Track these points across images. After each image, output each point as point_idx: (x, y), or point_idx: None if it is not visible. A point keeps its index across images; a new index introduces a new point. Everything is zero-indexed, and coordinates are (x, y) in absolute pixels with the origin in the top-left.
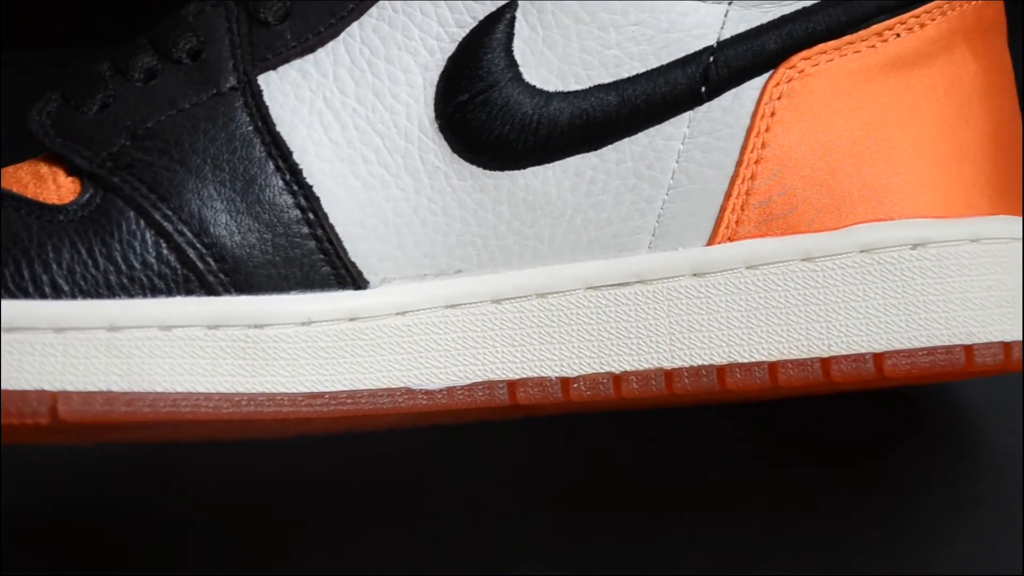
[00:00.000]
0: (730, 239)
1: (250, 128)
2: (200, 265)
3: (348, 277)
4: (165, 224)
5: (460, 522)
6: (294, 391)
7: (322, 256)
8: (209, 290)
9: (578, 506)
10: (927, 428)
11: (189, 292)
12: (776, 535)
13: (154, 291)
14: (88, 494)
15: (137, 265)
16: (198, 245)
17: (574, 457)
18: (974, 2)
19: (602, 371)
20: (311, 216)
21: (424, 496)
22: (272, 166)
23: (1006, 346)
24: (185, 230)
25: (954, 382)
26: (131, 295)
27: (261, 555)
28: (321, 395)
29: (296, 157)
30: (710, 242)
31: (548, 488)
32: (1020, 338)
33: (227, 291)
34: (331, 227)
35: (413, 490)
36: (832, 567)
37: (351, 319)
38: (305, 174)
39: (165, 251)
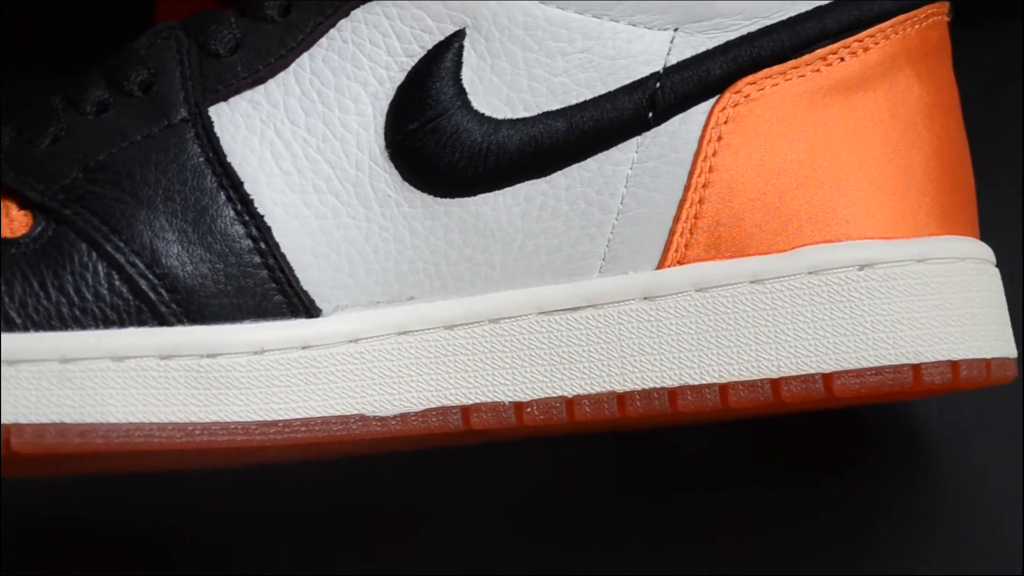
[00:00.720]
0: (680, 262)
1: (201, 159)
2: (152, 296)
3: (300, 305)
4: (117, 256)
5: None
6: (247, 419)
7: (274, 285)
8: (162, 320)
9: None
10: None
11: (142, 323)
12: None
13: (106, 322)
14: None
15: (89, 297)
16: (150, 276)
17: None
18: (917, 26)
19: (555, 395)
20: (262, 245)
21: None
22: (223, 196)
23: (953, 364)
24: (137, 261)
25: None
26: (84, 327)
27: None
28: (275, 423)
29: (247, 187)
30: (660, 266)
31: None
32: (968, 356)
33: (180, 321)
34: (283, 256)
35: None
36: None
37: (304, 347)
38: (256, 204)
39: (117, 282)
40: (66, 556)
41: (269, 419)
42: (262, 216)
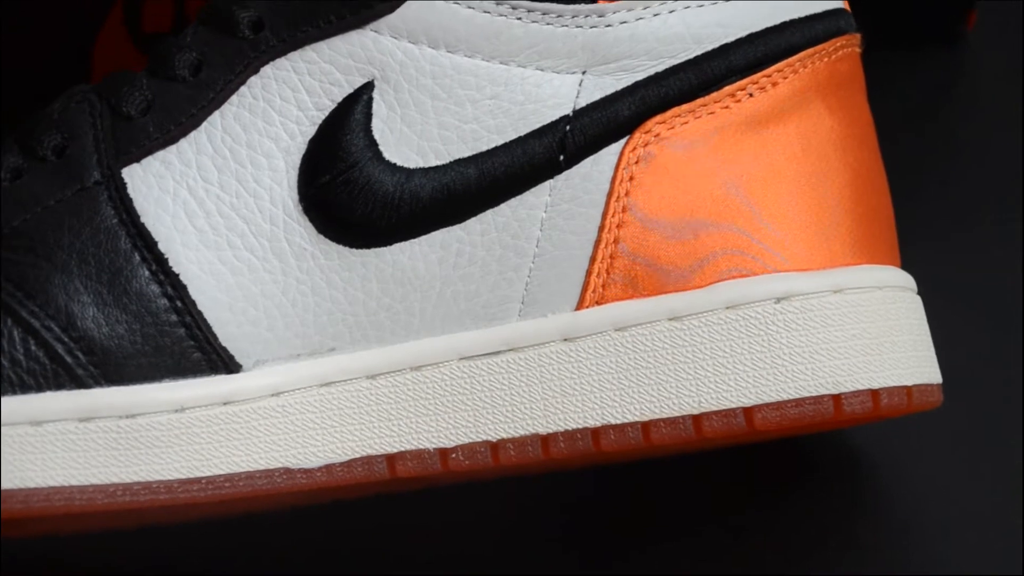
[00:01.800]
0: (598, 303)
1: (115, 221)
2: (69, 359)
3: (220, 362)
4: (32, 321)
5: None
6: (170, 478)
7: (192, 343)
8: (79, 383)
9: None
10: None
11: (59, 386)
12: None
13: (24, 387)
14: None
15: (6, 363)
16: (66, 340)
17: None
18: (827, 59)
19: (479, 440)
20: (179, 304)
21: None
22: (138, 257)
23: (874, 393)
24: (53, 325)
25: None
26: (0, 393)
27: None
28: (197, 480)
29: (161, 247)
30: (579, 307)
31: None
32: (888, 384)
33: (97, 383)
34: (199, 314)
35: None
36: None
37: (225, 403)
38: (171, 263)
39: (33, 347)
40: None
41: (192, 476)
42: (177, 275)
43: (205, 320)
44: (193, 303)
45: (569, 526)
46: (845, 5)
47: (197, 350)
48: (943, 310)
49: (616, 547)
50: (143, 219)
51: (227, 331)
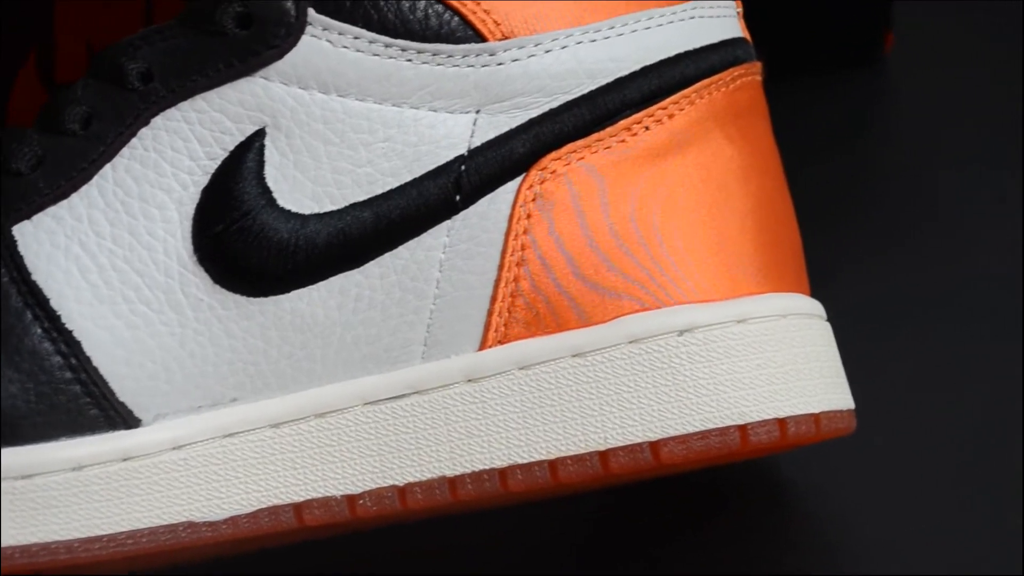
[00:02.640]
0: (501, 342)
1: (6, 279)
2: None
3: (118, 417)
4: None
5: None
6: (69, 538)
7: (88, 399)
8: None
9: None
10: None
11: None
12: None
13: None
14: None
15: None
16: None
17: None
18: (724, 89)
19: (386, 485)
20: (73, 361)
21: None
22: (30, 315)
23: (781, 422)
24: None
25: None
26: None
27: None
28: (99, 539)
29: (54, 304)
30: (482, 347)
31: None
32: (795, 412)
33: None
34: (95, 370)
35: None
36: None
37: (124, 459)
38: (64, 320)
39: None
40: None
41: (92, 535)
42: (71, 331)
43: (101, 376)
44: (88, 359)
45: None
46: (744, 34)
47: (94, 406)
48: (860, 335)
49: None
50: (35, 276)
51: (124, 386)
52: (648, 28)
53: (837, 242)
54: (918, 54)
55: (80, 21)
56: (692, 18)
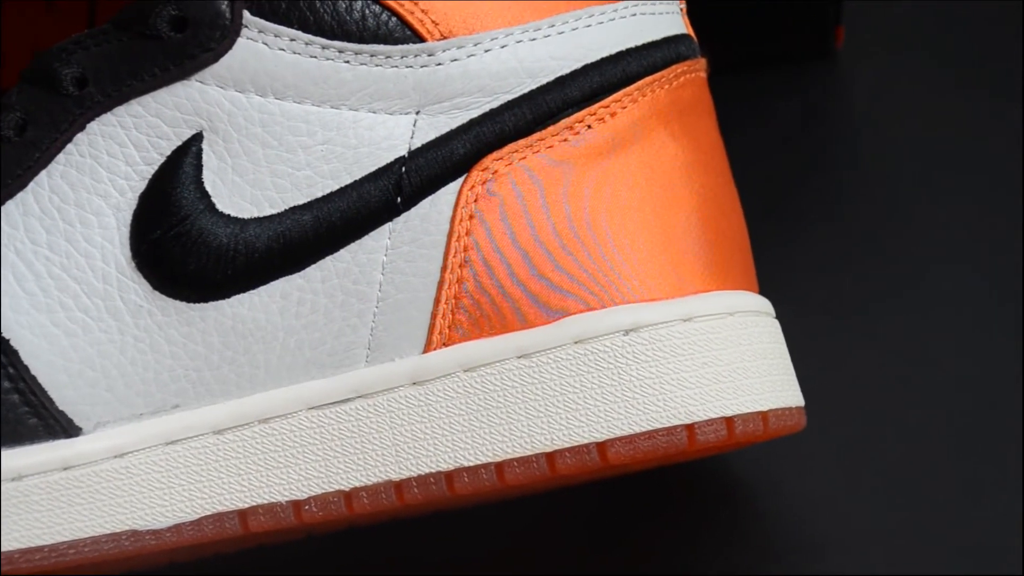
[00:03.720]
0: (445, 344)
1: None
2: None
3: (58, 426)
4: None
5: None
6: (9, 548)
7: (27, 409)
8: None
9: None
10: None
11: None
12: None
13: None
14: None
15: None
16: None
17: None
18: (667, 87)
19: (332, 490)
20: (11, 370)
21: None
22: None
23: (728, 421)
24: None
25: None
26: None
27: None
28: (39, 549)
29: None
30: (426, 349)
31: None
32: (742, 411)
33: None
34: (33, 379)
35: None
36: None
37: (64, 468)
38: (1, 329)
39: None
40: None
41: (33, 545)
42: (7, 340)
43: (40, 385)
44: (26, 368)
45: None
46: (688, 31)
47: (33, 416)
48: (815, 331)
49: None
50: None
51: (64, 395)
52: (589, 26)
53: (790, 238)
54: (869, 48)
55: (25, 27)
56: (634, 15)
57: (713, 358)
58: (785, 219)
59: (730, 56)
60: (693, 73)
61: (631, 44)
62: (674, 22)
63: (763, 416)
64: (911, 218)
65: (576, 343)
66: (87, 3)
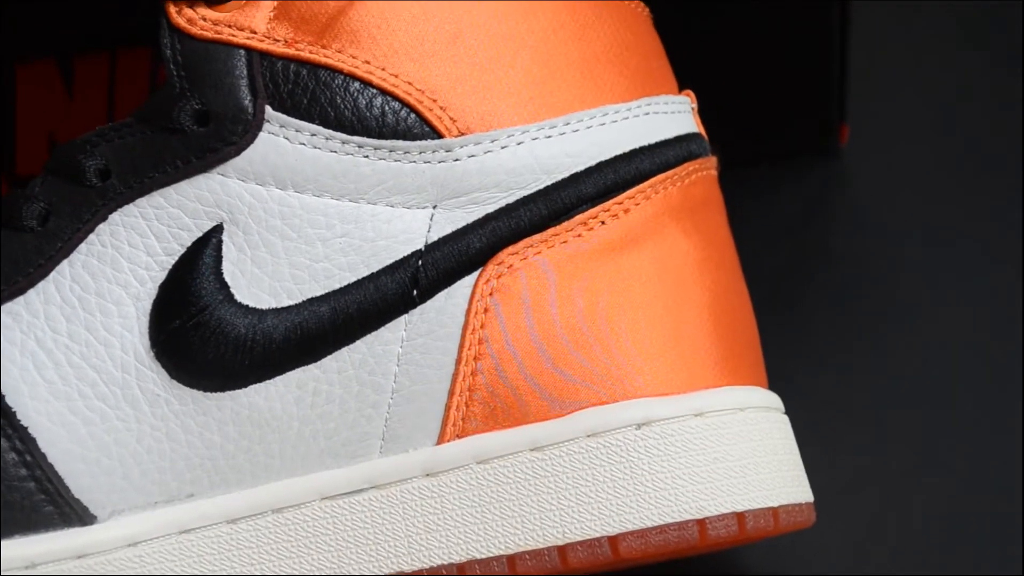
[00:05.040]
0: (459, 436)
1: None
2: None
3: (73, 514)
4: None
5: None
6: None
7: (43, 496)
8: None
9: None
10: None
11: None
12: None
13: None
14: None
15: None
16: None
17: None
18: (679, 184)
19: None
20: (28, 458)
21: None
22: None
23: (739, 516)
24: None
25: None
26: None
27: None
28: None
29: (8, 400)
30: (440, 441)
31: None
32: (753, 506)
33: None
34: (50, 467)
35: None
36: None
37: (78, 556)
38: (19, 416)
39: None
40: None
41: None
42: (26, 428)
43: (56, 473)
44: (43, 456)
45: None
46: (699, 129)
47: (49, 503)
48: (820, 426)
49: None
50: None
51: (80, 483)
52: (603, 124)
53: (795, 332)
54: (873, 144)
55: (43, 115)
56: (647, 114)
57: (724, 453)
58: (786, 313)
59: (735, 152)
60: (704, 171)
61: (644, 142)
62: (685, 121)
63: (774, 512)
64: (915, 311)
65: (588, 437)
66: (106, 94)
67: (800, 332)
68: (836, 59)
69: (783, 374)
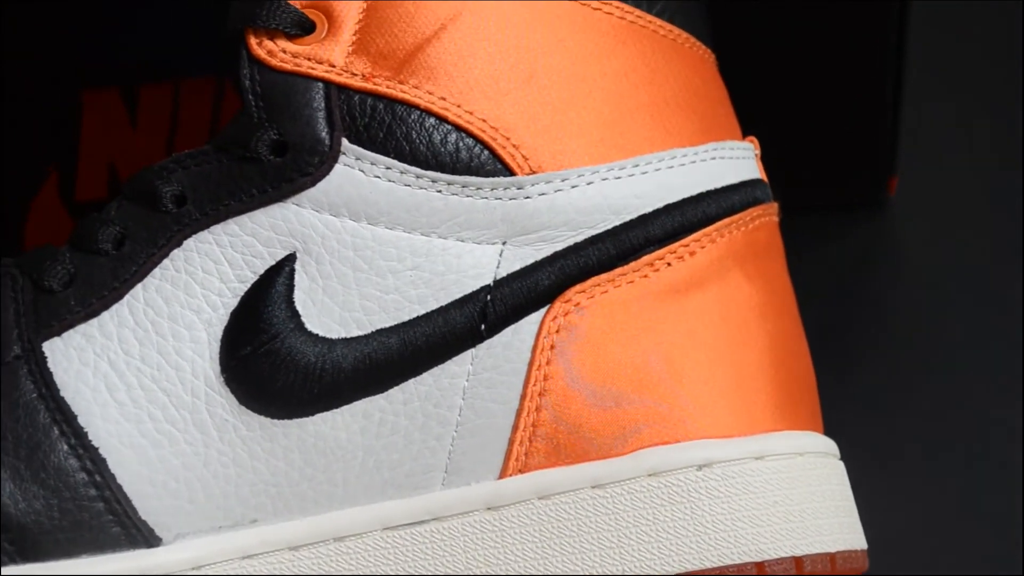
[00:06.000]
0: (521, 471)
1: (34, 395)
2: None
3: (139, 536)
4: None
5: None
6: None
7: (111, 517)
8: None
9: None
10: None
11: None
12: None
13: None
14: None
15: None
16: None
17: None
18: (743, 228)
19: None
20: (98, 478)
21: None
22: (57, 431)
23: (797, 560)
24: None
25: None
26: None
27: None
28: None
29: (81, 420)
30: (502, 475)
31: None
32: (811, 551)
33: (13, 560)
34: (119, 487)
35: None
36: None
37: None
38: (91, 437)
39: None
40: None
41: None
42: (96, 448)
43: (124, 494)
44: (112, 477)
45: None
46: (762, 175)
47: (116, 524)
48: (870, 474)
49: None
50: (63, 392)
51: (147, 504)
52: (671, 167)
53: (844, 382)
54: (921, 196)
55: (106, 143)
56: (713, 159)
57: (784, 497)
58: (836, 362)
59: (785, 200)
60: (767, 217)
61: (710, 186)
62: (750, 167)
63: (831, 557)
64: (963, 361)
65: (650, 476)
66: (168, 123)
67: (849, 382)
68: (889, 112)
69: (832, 422)
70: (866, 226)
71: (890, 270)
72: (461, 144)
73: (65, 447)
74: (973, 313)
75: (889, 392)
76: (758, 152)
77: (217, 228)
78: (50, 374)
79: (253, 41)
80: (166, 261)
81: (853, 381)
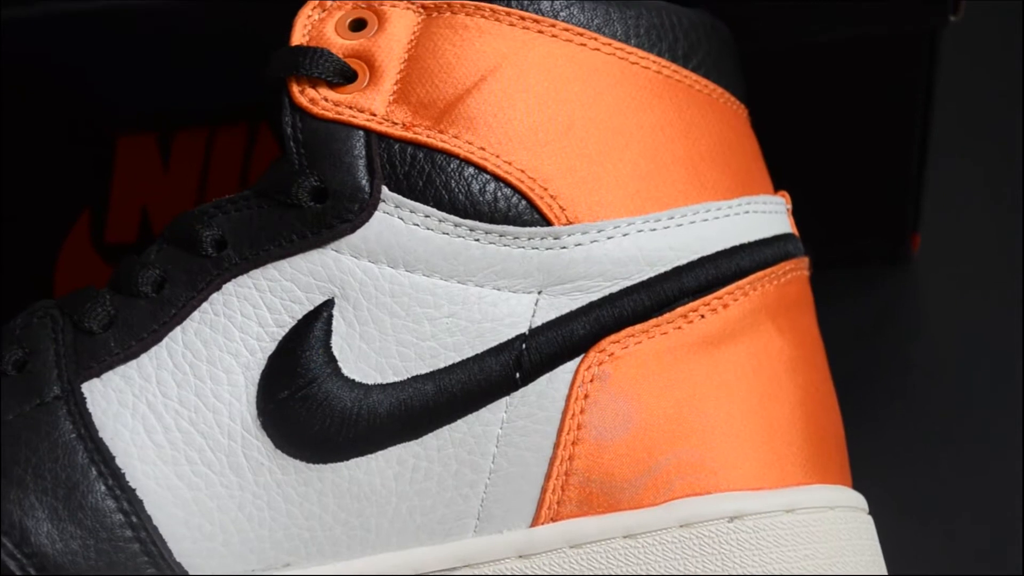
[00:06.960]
0: (553, 519)
1: (73, 436)
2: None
3: None
4: None
5: None
6: None
7: (146, 558)
8: None
9: None
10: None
11: None
12: None
13: None
14: None
15: None
16: (18, 555)
17: None
18: (776, 282)
19: None
20: (134, 519)
21: None
22: (95, 472)
23: None
24: (5, 541)
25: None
26: None
27: None
28: None
29: (119, 461)
30: (534, 523)
31: None
32: None
33: None
34: (155, 529)
35: None
36: None
37: None
38: (128, 478)
39: None
40: None
41: None
42: (134, 490)
43: (160, 535)
44: (149, 518)
45: None
46: (793, 230)
47: (151, 566)
48: (898, 530)
49: None
50: (101, 434)
51: (182, 547)
52: (706, 220)
53: (866, 438)
54: (944, 254)
55: (138, 187)
56: (747, 212)
57: (814, 551)
58: (858, 418)
59: (809, 256)
60: (799, 271)
61: (744, 240)
62: (782, 221)
63: None
64: (987, 420)
65: (681, 527)
66: (200, 168)
67: (871, 438)
68: (913, 170)
69: (857, 476)
70: (889, 283)
71: (913, 328)
72: (499, 194)
73: (103, 488)
74: (996, 370)
75: (912, 451)
76: (790, 207)
77: (257, 273)
78: (89, 415)
79: (295, 89)
80: (205, 305)
81: (876, 439)
